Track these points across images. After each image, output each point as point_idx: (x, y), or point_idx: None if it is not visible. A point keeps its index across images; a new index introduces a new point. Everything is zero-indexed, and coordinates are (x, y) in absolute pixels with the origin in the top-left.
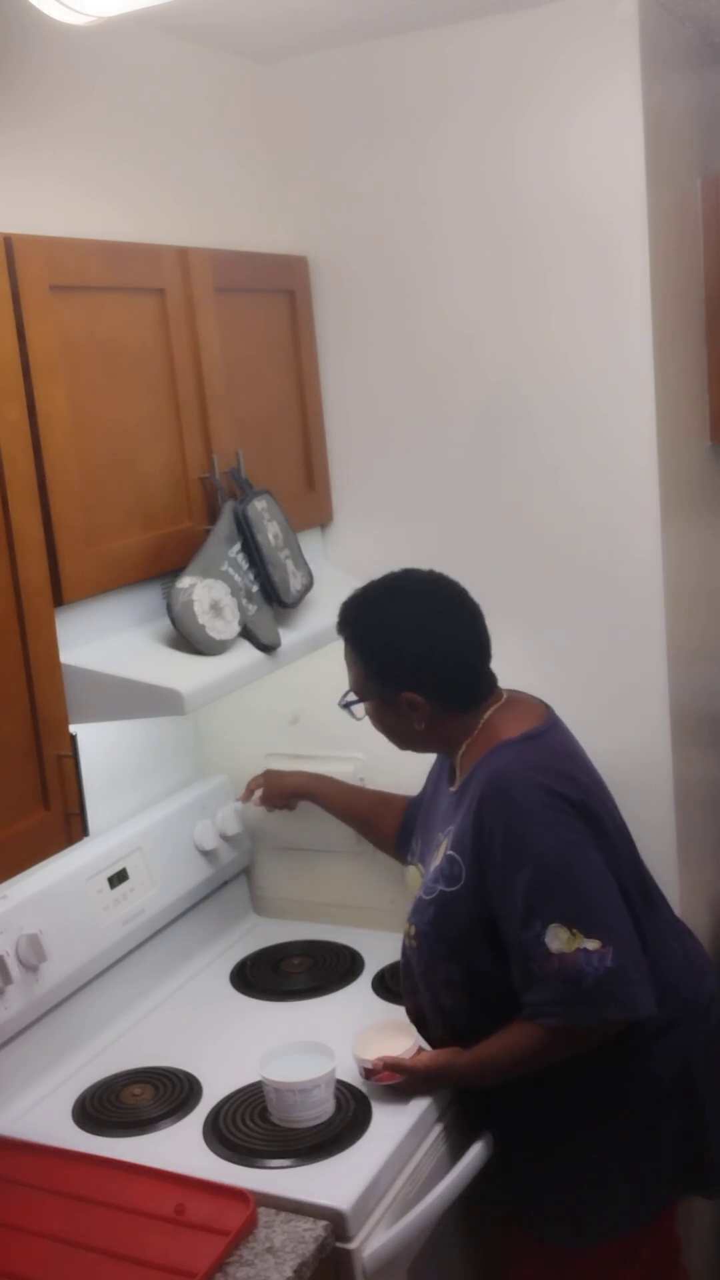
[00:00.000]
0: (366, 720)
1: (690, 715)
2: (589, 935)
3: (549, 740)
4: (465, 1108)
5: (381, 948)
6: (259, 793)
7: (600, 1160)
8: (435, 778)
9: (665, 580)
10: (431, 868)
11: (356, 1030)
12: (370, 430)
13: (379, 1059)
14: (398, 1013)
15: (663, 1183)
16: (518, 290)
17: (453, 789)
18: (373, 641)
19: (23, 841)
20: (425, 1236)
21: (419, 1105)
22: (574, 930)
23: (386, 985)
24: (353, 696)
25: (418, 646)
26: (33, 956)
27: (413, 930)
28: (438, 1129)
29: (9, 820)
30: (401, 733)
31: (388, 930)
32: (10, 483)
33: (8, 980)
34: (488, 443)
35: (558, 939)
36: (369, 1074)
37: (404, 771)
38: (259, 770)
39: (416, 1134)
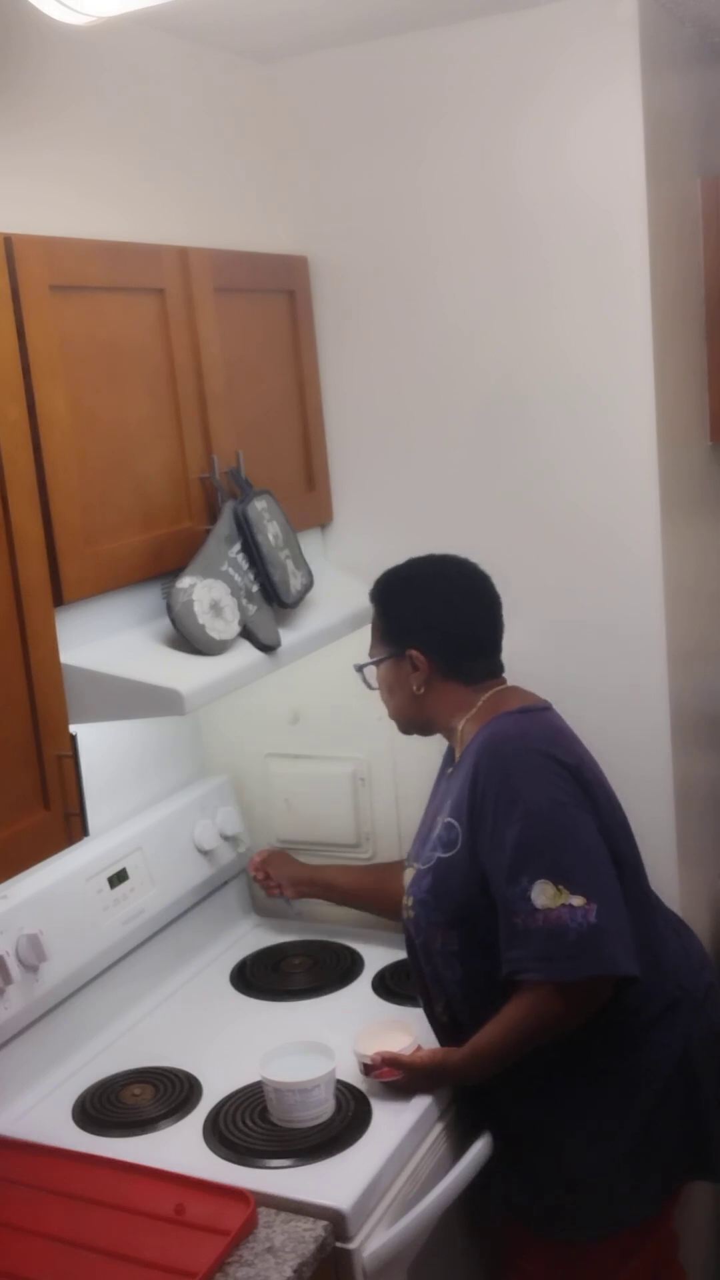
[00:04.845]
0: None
1: (690, 715)
2: (574, 891)
3: (546, 716)
4: (466, 1107)
5: (381, 948)
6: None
7: (603, 1153)
8: (434, 787)
9: (665, 580)
10: (429, 840)
11: (357, 1029)
12: (370, 430)
13: (377, 1054)
14: (398, 1012)
15: (665, 1174)
16: (518, 290)
17: (450, 770)
18: (391, 600)
19: (23, 841)
20: (425, 1236)
21: (419, 1105)
22: (560, 886)
23: (386, 985)
24: (366, 659)
25: (432, 604)
26: (33, 956)
27: (410, 902)
28: (438, 1128)
29: (9, 820)
30: (402, 701)
31: (388, 930)
32: (10, 483)
33: (8, 980)
34: (488, 443)
35: (544, 894)
36: (368, 1070)
37: (403, 770)
38: (258, 770)
39: (417, 1133)
